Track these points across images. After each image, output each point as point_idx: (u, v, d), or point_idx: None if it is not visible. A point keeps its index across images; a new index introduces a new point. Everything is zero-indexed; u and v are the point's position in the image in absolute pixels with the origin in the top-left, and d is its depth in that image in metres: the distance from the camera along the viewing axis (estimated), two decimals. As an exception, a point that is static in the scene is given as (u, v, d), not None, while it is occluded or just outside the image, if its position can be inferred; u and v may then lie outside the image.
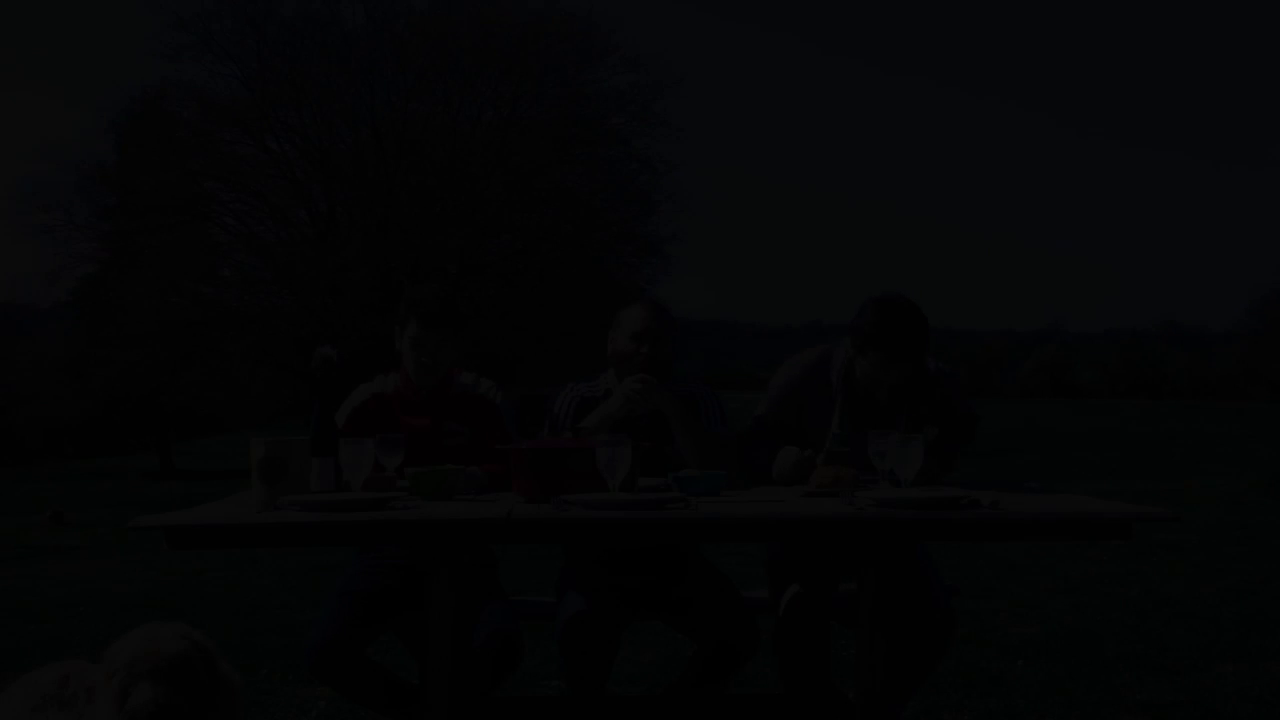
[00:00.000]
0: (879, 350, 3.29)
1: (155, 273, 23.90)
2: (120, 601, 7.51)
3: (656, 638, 5.25)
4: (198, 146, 25.13)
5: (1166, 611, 5.95)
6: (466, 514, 2.76)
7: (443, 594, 2.83)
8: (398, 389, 3.63)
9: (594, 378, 3.69)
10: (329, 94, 25.12)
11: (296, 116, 25.30)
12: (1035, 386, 69.58)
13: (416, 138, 25.11)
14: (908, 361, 3.31)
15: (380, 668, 3.36)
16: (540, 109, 27.02)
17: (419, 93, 25.69)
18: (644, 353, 3.55)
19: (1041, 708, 4.21)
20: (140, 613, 2.79)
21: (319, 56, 25.00)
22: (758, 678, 4.32)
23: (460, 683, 3.18)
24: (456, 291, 22.71)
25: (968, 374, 74.94)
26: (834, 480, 2.99)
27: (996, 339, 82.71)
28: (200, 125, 25.56)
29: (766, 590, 3.59)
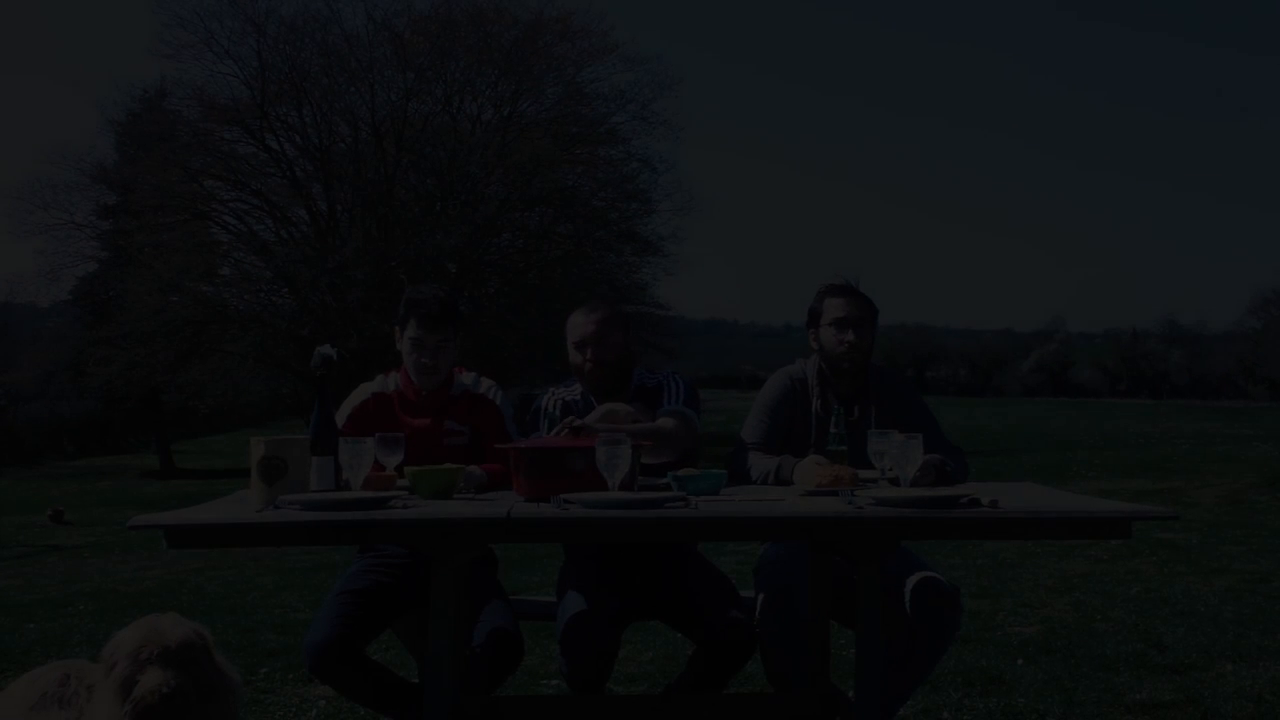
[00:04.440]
0: (828, 295, 3.63)
1: (155, 272, 23.87)
2: (120, 601, 7.51)
3: (656, 638, 5.25)
4: (198, 146, 25.07)
5: (1166, 611, 5.94)
6: (466, 513, 2.76)
7: (443, 594, 2.83)
8: (398, 388, 3.62)
9: (571, 381, 3.69)
10: (329, 94, 25.09)
11: (296, 116, 25.26)
12: (1035, 386, 69.63)
13: (416, 137, 25.08)
14: (856, 295, 3.62)
15: (380, 667, 3.36)
16: (540, 108, 27.01)
17: (419, 93, 25.66)
18: (589, 359, 3.54)
19: (1041, 708, 4.21)
20: (140, 612, 2.79)
21: (319, 56, 24.97)
22: (757, 677, 4.31)
23: (460, 683, 3.18)
24: (456, 291, 22.70)
25: (968, 374, 75.08)
26: (834, 480, 2.99)
27: (996, 339, 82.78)
28: (200, 124, 25.51)
29: (754, 593, 3.60)
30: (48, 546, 12.40)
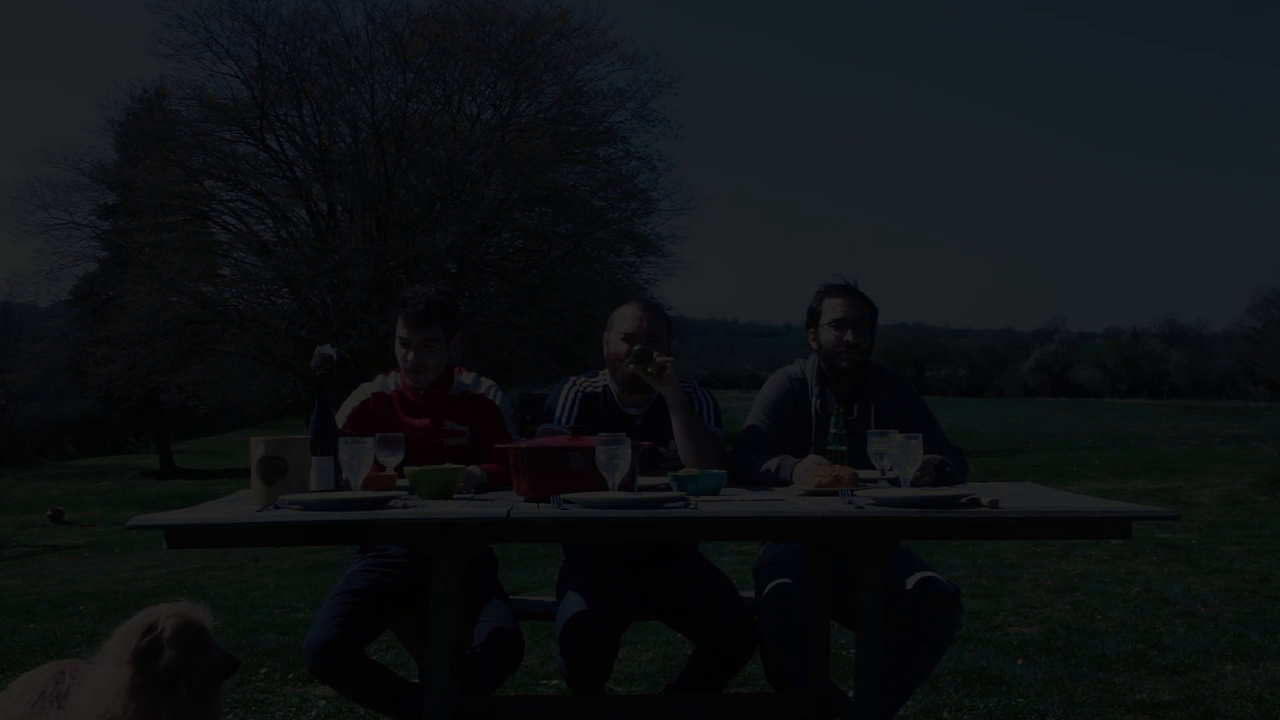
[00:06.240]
0: (828, 295, 3.64)
1: (155, 271, 23.89)
2: (120, 601, 7.51)
3: (656, 638, 5.25)
4: (198, 145, 25.08)
5: (1166, 611, 5.94)
6: (466, 513, 2.76)
7: (443, 594, 2.83)
8: (398, 388, 3.63)
9: (594, 374, 3.70)
10: (329, 94, 25.09)
11: (296, 116, 25.27)
12: (1035, 386, 69.69)
13: (416, 137, 25.09)
14: (855, 295, 3.62)
15: (380, 667, 3.36)
16: (539, 107, 27.02)
17: (419, 92, 25.67)
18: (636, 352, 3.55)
19: (1041, 708, 4.21)
20: (138, 613, 2.82)
21: (319, 56, 24.98)
22: (757, 677, 4.31)
23: (460, 683, 3.18)
24: (455, 291, 22.65)
25: (968, 374, 75.12)
26: (834, 480, 2.99)
27: (996, 339, 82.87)
28: (200, 124, 25.53)
29: (754, 594, 3.59)
30: (48, 546, 12.40)
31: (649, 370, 3.39)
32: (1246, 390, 54.62)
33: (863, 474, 3.17)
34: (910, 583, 3.34)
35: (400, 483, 3.12)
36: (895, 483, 3.02)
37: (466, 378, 3.68)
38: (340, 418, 3.50)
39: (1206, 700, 4.25)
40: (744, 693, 4.07)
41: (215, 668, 2.71)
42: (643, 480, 3.13)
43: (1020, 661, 4.89)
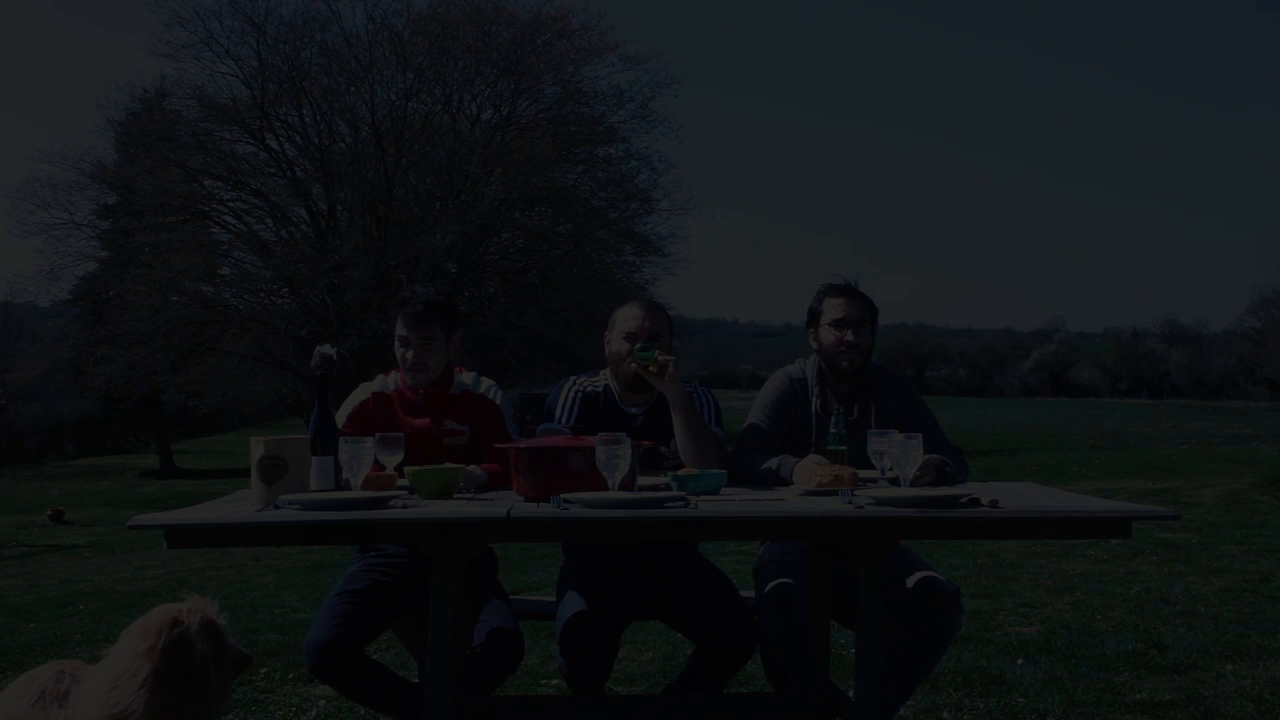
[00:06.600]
0: (829, 295, 3.65)
1: (155, 271, 23.88)
2: (120, 601, 7.51)
3: (656, 638, 5.25)
4: (198, 145, 25.08)
5: (1166, 611, 5.94)
6: (466, 513, 2.75)
7: (443, 594, 2.82)
8: (398, 388, 3.63)
9: (595, 373, 3.70)
10: (329, 94, 25.09)
11: (296, 116, 25.27)
12: (1035, 386, 69.74)
13: (416, 137, 25.08)
14: (855, 295, 3.63)
15: (380, 667, 3.36)
16: (539, 107, 27.01)
17: (419, 92, 25.67)
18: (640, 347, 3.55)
19: (1041, 707, 4.21)
20: (140, 612, 2.82)
21: (319, 56, 24.98)
22: (757, 677, 4.31)
23: (460, 683, 3.18)
24: (454, 291, 22.70)
25: (968, 374, 75.18)
26: (834, 480, 2.99)
27: (996, 339, 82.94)
28: (200, 124, 25.53)
29: (754, 593, 3.59)
30: (48, 546, 12.41)
31: (650, 367, 3.38)
32: (1246, 390, 54.68)
33: (863, 474, 3.17)
34: (910, 582, 3.34)
35: (400, 483, 3.12)
36: (895, 483, 3.02)
37: (466, 377, 3.68)
38: (340, 417, 3.50)
39: (1206, 700, 4.25)
40: (744, 693, 4.07)
41: (235, 663, 2.72)
42: (643, 480, 3.13)
43: (1020, 661, 4.89)
